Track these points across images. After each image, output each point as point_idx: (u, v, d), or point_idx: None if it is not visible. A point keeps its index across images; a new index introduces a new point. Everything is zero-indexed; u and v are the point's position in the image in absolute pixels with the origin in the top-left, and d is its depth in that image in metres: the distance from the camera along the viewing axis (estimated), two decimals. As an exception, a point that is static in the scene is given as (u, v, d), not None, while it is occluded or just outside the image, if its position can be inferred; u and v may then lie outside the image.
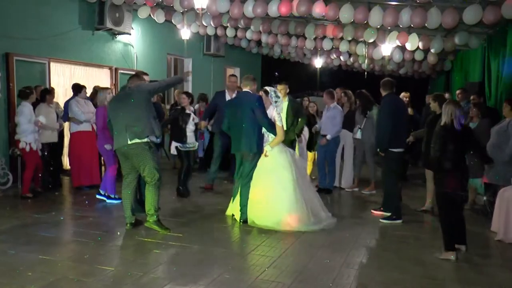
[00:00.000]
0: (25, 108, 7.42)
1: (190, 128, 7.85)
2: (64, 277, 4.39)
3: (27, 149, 7.38)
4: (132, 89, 5.92)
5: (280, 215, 6.07)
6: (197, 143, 8.16)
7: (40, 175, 7.88)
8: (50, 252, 5.08)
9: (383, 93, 7.04)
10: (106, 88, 7.93)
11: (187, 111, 7.92)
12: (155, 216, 5.84)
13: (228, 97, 8.20)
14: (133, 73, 11.58)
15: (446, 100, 5.52)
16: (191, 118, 7.87)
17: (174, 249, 5.23)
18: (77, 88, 8.41)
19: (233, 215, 6.56)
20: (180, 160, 8.07)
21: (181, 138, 7.78)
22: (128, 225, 5.96)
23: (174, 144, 7.89)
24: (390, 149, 6.67)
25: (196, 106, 10.45)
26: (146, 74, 7.14)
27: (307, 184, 6.55)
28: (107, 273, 4.50)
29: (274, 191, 6.14)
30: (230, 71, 17.20)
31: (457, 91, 9.68)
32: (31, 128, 7.37)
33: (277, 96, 6.52)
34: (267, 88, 6.61)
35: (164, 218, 6.32)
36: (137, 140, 5.69)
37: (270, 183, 6.16)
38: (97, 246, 5.33)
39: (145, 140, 5.73)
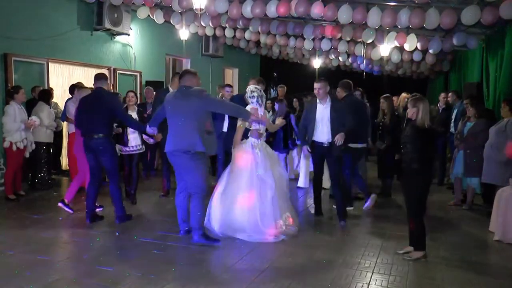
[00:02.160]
0: (9, 108, 7.42)
1: (130, 129, 7.23)
2: (63, 278, 4.39)
3: (13, 148, 7.38)
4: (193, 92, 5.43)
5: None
6: (142, 146, 7.51)
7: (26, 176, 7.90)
8: (49, 252, 5.08)
9: (343, 94, 7.36)
10: (86, 88, 7.67)
11: (130, 112, 7.28)
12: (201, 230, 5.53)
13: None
14: (132, 73, 11.77)
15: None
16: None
17: (173, 250, 5.23)
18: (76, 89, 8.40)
19: None
20: (123, 164, 7.49)
21: (122, 140, 7.29)
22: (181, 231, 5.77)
23: (117, 146, 7.20)
24: (350, 145, 7.02)
25: None
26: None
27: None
28: (106, 274, 4.50)
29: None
30: (229, 71, 17.23)
31: (449, 93, 9.68)
32: (15, 127, 7.36)
33: (252, 96, 6.15)
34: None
35: (162, 219, 6.33)
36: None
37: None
38: (96, 246, 5.33)
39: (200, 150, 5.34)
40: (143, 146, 7.58)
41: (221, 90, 8.68)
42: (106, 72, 10.96)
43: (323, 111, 6.51)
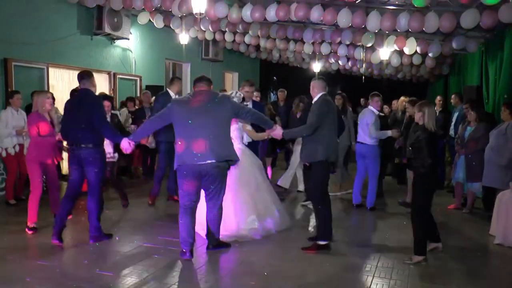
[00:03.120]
0: (3, 113, 7.44)
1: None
2: (63, 283, 4.38)
3: (3, 154, 7.38)
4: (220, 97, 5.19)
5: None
6: (113, 155, 7.17)
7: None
8: (48, 257, 5.07)
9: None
10: (46, 92, 6.99)
11: None
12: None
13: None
14: (132, 78, 11.78)
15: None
16: None
17: (173, 254, 5.22)
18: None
19: None
20: None
21: None
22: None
23: None
24: None
25: None
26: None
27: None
28: (106, 279, 4.49)
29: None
30: (228, 75, 17.25)
31: (452, 96, 9.72)
32: (5, 133, 7.34)
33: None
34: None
35: (162, 224, 6.33)
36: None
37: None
38: (96, 251, 5.33)
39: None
40: (115, 155, 7.20)
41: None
42: (106, 76, 11.00)
43: None
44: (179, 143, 4.95)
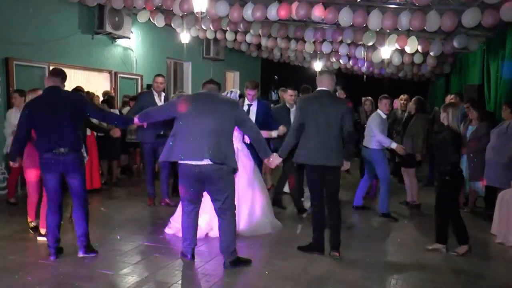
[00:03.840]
0: (7, 113, 7.53)
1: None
2: (65, 282, 4.38)
3: (4, 152, 7.41)
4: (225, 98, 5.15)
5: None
6: (85, 154, 6.40)
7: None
8: (49, 256, 5.07)
9: None
10: (36, 90, 6.48)
11: None
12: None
13: (157, 100, 7.35)
14: (133, 77, 11.78)
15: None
16: None
17: (174, 253, 5.22)
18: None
19: None
20: None
21: None
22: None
23: None
24: None
25: None
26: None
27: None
28: (108, 277, 4.50)
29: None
30: (230, 75, 17.25)
31: (451, 96, 9.68)
32: (7, 132, 7.39)
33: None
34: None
35: (163, 223, 6.32)
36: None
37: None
38: (97, 249, 5.32)
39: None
40: (87, 155, 6.62)
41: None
42: (107, 76, 11.00)
43: None
44: (177, 138, 4.68)
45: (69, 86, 9.74)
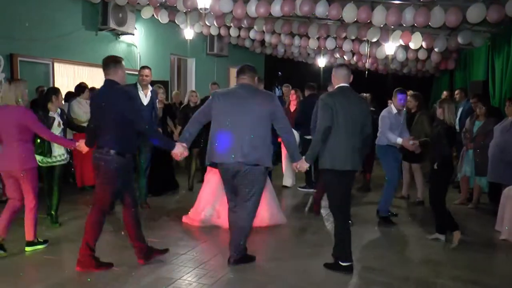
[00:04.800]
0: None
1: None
2: (69, 277, 4.40)
3: None
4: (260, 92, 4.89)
5: None
6: (66, 156, 6.16)
7: None
8: (55, 252, 5.10)
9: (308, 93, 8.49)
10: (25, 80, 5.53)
11: (51, 113, 5.99)
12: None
13: (141, 94, 6.82)
14: (137, 73, 11.71)
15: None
16: (55, 123, 5.95)
17: (178, 249, 5.23)
18: (80, 89, 8.44)
19: None
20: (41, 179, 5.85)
21: (49, 149, 5.89)
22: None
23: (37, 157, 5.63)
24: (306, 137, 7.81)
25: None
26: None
27: None
28: (112, 273, 4.51)
29: None
30: (233, 71, 17.18)
31: (456, 91, 9.69)
32: None
33: None
34: None
35: (168, 219, 6.34)
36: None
37: None
38: (102, 246, 5.33)
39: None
40: (68, 156, 6.22)
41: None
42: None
43: None
44: (215, 139, 4.62)
45: (73, 82, 9.80)
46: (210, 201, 6.31)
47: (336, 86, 4.88)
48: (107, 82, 4.56)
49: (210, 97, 4.82)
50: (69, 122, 6.47)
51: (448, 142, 5.56)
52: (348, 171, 4.71)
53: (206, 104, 4.80)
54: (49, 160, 5.93)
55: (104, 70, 4.56)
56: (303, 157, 4.83)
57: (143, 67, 7.08)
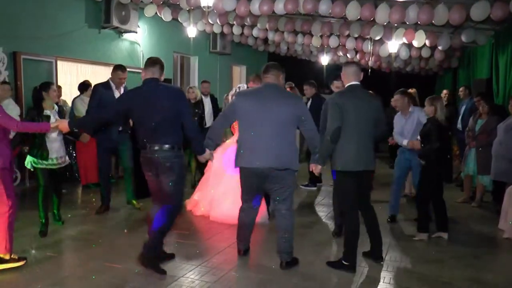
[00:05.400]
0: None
1: (52, 136, 5.47)
2: (73, 274, 4.42)
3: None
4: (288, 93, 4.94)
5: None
6: (66, 158, 5.79)
7: None
8: (57, 249, 5.12)
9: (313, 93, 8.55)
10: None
11: (46, 112, 5.52)
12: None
13: (116, 93, 6.53)
14: (140, 71, 11.74)
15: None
16: (51, 121, 5.38)
17: (180, 247, 5.24)
18: (84, 87, 8.46)
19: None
20: (37, 181, 5.64)
21: (39, 149, 5.46)
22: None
23: (29, 158, 5.51)
24: None
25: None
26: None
27: None
28: (115, 271, 4.52)
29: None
30: (236, 69, 17.23)
31: (460, 89, 9.69)
32: None
33: None
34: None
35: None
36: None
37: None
38: (105, 243, 5.36)
39: None
40: (67, 158, 5.85)
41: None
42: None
43: None
44: (242, 144, 4.56)
45: (76, 80, 9.82)
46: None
47: (346, 85, 4.80)
48: (155, 80, 4.62)
49: (234, 97, 4.72)
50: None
51: (440, 140, 5.55)
52: (361, 171, 4.66)
53: (229, 107, 4.70)
54: (45, 162, 5.50)
55: (148, 68, 4.67)
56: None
57: (120, 68, 6.66)
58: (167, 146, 4.36)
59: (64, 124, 4.84)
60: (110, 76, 6.69)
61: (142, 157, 4.51)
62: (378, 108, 4.83)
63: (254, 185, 4.66)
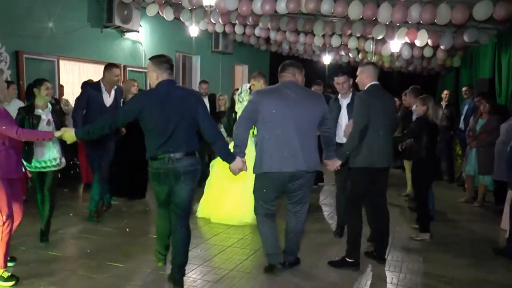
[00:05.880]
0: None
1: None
2: (74, 273, 4.42)
3: None
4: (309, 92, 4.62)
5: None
6: (61, 160, 5.21)
7: None
8: (59, 248, 5.12)
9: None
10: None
11: (37, 111, 5.01)
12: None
13: (105, 95, 6.18)
14: (142, 70, 11.80)
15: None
16: (44, 122, 5.00)
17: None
18: (86, 86, 8.47)
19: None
20: (34, 186, 5.26)
21: (29, 152, 4.96)
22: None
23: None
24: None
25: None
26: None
27: None
28: (116, 270, 4.53)
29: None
30: (238, 68, 17.22)
31: (463, 88, 9.68)
32: None
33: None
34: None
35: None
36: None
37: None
38: (106, 242, 5.36)
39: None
40: (63, 160, 5.25)
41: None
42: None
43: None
44: (264, 146, 4.25)
45: (78, 79, 9.83)
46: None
47: (368, 84, 4.77)
48: (172, 82, 4.11)
49: (252, 97, 4.38)
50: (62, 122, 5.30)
51: (431, 138, 5.72)
52: (382, 168, 4.72)
53: (250, 107, 4.29)
54: (37, 165, 5.01)
55: (160, 69, 4.06)
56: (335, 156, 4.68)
57: (115, 66, 6.36)
58: (189, 153, 3.97)
59: (71, 134, 4.18)
60: (103, 76, 6.23)
61: (155, 170, 3.97)
62: (395, 108, 5.13)
63: (280, 190, 4.39)
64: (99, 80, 6.29)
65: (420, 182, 5.86)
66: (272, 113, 4.17)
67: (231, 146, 4.47)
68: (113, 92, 6.27)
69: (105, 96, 6.18)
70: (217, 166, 6.46)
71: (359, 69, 4.88)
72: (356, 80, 4.95)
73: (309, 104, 4.28)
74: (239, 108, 6.49)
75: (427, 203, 5.91)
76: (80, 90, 8.55)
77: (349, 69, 17.00)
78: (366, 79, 4.78)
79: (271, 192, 4.37)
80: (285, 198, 4.55)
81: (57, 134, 4.28)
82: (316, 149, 4.37)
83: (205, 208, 6.51)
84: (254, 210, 4.56)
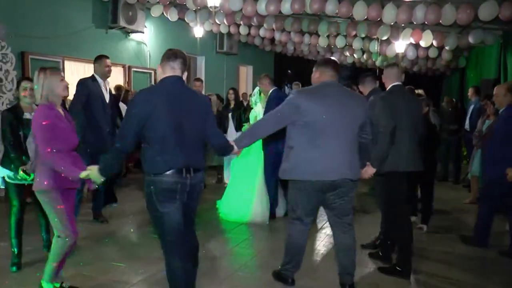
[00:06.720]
0: None
1: (33, 145, 3.85)
2: (78, 273, 4.43)
3: None
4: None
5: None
6: None
7: None
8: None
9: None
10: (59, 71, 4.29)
11: (26, 115, 4.43)
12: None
13: (103, 90, 6.02)
14: (146, 71, 11.84)
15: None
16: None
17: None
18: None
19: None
20: (10, 199, 4.64)
21: (10, 159, 4.39)
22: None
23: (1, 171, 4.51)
24: None
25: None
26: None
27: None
28: (120, 270, 4.53)
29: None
30: (243, 69, 17.23)
31: (469, 89, 9.66)
32: None
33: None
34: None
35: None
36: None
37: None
38: (110, 243, 5.37)
39: None
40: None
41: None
42: (121, 70, 11.04)
43: None
44: (300, 150, 3.81)
45: (83, 80, 9.83)
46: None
47: (390, 85, 4.67)
48: (181, 80, 3.38)
49: (293, 96, 3.86)
50: None
51: (431, 140, 5.84)
52: (411, 172, 4.59)
53: (290, 106, 3.81)
54: (27, 177, 4.28)
55: (168, 64, 3.33)
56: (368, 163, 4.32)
57: (105, 56, 6.18)
58: (202, 166, 3.47)
59: (96, 174, 3.51)
60: (94, 69, 6.08)
61: (163, 185, 3.30)
62: (421, 109, 5.05)
63: (320, 199, 3.96)
64: (93, 74, 6.08)
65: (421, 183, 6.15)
66: (317, 117, 3.71)
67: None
68: (108, 86, 6.12)
69: (103, 90, 6.01)
70: (237, 166, 6.71)
71: (384, 71, 4.86)
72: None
73: (353, 107, 3.86)
74: (259, 111, 6.64)
75: (431, 200, 6.28)
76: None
77: (354, 70, 17.02)
78: (388, 80, 4.73)
79: (310, 202, 3.97)
80: (327, 211, 4.13)
81: (83, 174, 3.58)
82: (356, 157, 3.95)
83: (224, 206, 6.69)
84: (288, 215, 4.26)
